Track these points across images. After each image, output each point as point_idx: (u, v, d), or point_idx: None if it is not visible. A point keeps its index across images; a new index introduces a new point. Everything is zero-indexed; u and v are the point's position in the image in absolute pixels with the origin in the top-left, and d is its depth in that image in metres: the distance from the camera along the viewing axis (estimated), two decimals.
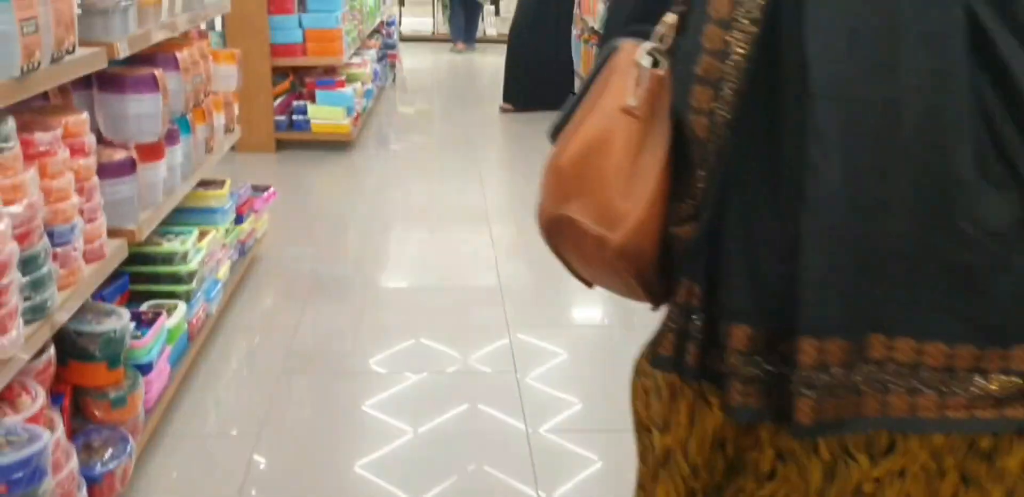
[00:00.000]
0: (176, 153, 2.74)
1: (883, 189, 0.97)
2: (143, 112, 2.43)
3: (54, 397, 2.07)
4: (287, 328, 3.30)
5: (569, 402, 2.83)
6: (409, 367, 3.02)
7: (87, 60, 2.08)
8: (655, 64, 1.09)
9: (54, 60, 1.88)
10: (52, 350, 2.04)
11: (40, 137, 1.91)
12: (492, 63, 9.75)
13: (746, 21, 1.01)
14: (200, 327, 2.94)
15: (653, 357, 1.15)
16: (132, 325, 2.31)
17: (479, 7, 10.71)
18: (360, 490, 2.40)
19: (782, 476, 1.11)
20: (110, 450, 2.14)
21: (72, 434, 2.13)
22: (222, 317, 3.26)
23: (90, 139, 2.13)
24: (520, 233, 4.44)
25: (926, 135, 0.96)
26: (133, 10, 2.35)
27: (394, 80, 8.44)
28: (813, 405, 0.99)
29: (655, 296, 1.17)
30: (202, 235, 3.03)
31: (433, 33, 11.46)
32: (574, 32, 7.45)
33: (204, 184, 3.26)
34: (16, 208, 1.74)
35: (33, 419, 1.80)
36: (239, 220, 3.53)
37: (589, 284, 1.23)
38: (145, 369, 2.39)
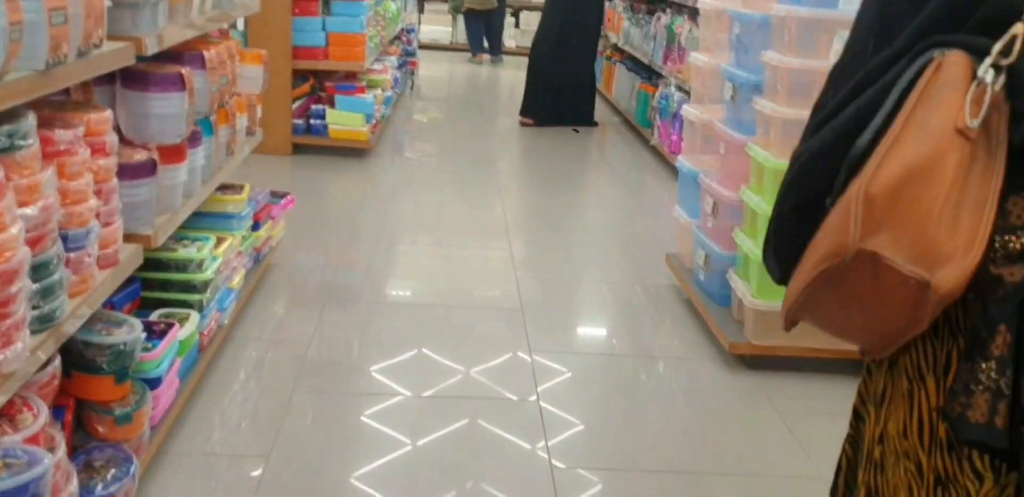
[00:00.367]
0: (197, 155, 2.61)
1: None
2: (167, 112, 2.31)
3: (56, 410, 1.94)
4: (298, 341, 3.17)
5: (572, 423, 2.77)
6: (424, 383, 2.92)
7: (114, 55, 1.96)
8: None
9: (81, 54, 1.75)
10: (57, 361, 1.92)
11: (61, 135, 1.79)
12: (510, 75, 9.66)
13: None
14: (211, 338, 2.81)
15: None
16: (144, 336, 2.18)
17: (498, 18, 10.56)
18: None
19: None
20: (112, 471, 2.00)
21: (73, 451, 2.00)
22: (233, 327, 3.13)
23: (112, 138, 2.00)
24: (536, 248, 4.33)
25: None
26: (164, 5, 2.23)
27: (412, 88, 8.35)
28: None
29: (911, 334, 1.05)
30: (219, 242, 2.90)
31: (452, 42, 11.39)
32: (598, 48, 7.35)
33: (222, 188, 3.13)
34: (31, 210, 1.61)
35: (33, 438, 1.67)
36: (255, 227, 3.40)
37: (791, 325, 1.11)
38: (154, 383, 2.25)
